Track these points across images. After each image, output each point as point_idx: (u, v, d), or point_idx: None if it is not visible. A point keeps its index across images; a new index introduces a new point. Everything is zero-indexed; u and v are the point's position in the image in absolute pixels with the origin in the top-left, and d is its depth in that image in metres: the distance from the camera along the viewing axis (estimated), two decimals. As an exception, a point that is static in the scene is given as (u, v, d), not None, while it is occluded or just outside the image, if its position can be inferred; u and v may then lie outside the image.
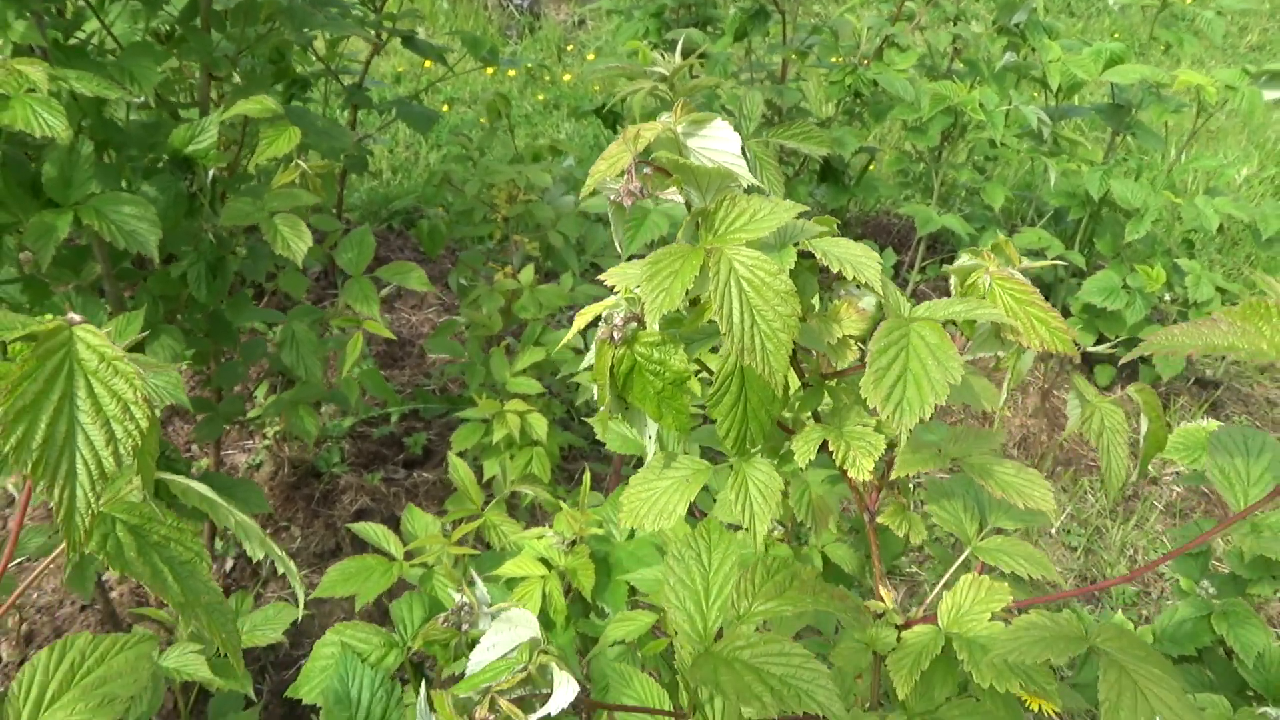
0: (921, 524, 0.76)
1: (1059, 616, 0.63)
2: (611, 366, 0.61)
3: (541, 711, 0.58)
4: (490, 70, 6.29)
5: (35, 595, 2.12)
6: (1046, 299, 2.42)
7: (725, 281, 0.54)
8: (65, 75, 1.21)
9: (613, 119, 3.25)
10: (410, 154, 4.84)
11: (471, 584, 0.89)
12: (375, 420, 2.87)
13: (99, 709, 0.58)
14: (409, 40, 2.77)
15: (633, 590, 1.28)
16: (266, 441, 2.57)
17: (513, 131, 4.63)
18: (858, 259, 0.57)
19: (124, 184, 1.49)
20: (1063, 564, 2.66)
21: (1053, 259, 3.08)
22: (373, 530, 1.46)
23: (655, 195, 0.58)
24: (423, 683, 0.63)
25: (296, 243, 1.45)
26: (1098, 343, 3.12)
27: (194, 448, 2.65)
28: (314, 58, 2.51)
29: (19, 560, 1.70)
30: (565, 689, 0.58)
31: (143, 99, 1.54)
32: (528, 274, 2.10)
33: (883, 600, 0.72)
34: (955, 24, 3.08)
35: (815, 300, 0.64)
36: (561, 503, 1.43)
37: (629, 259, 0.61)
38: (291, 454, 2.57)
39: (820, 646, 0.84)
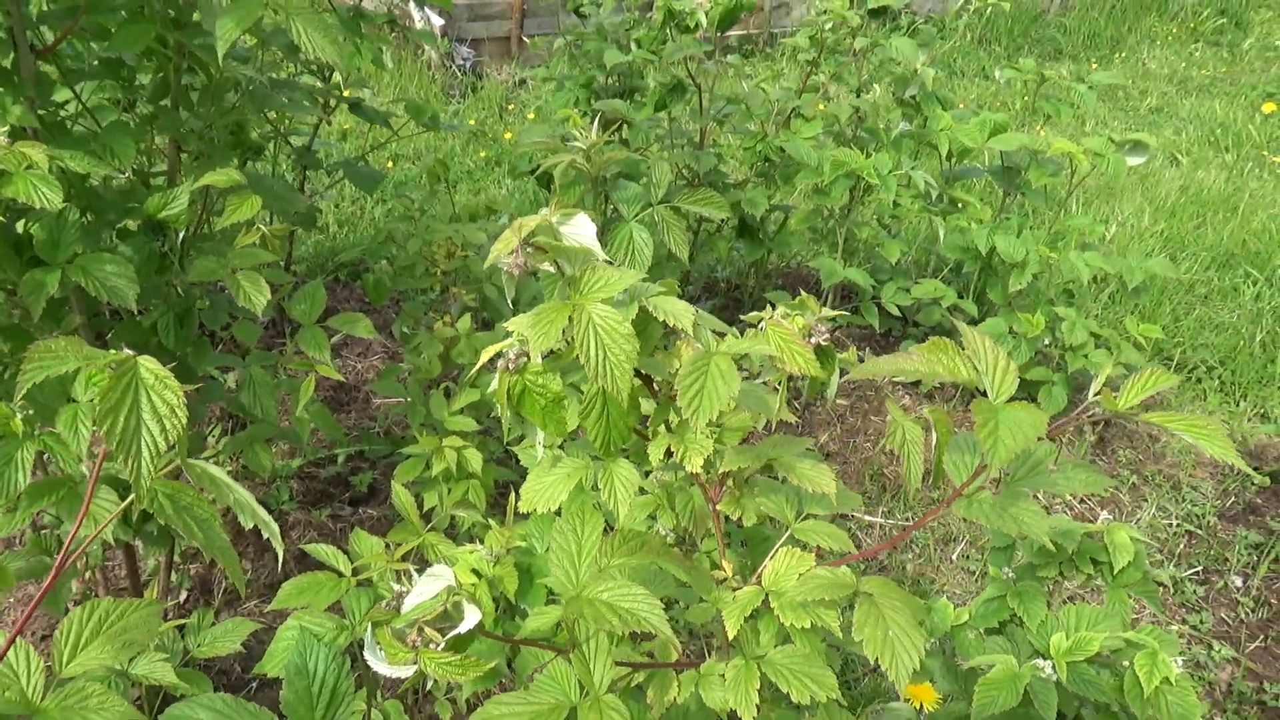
0: (753, 510, 0.99)
1: (838, 571, 0.86)
2: (508, 390, 0.84)
3: (454, 632, 0.79)
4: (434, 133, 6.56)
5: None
6: None
7: (585, 327, 0.77)
8: (61, 155, 1.41)
9: (546, 179, 3.50)
10: (355, 209, 5.04)
11: (409, 577, 1.10)
12: (323, 461, 3.05)
13: (121, 650, 0.78)
14: (355, 107, 3.01)
15: (551, 593, 1.49)
16: (218, 481, 2.73)
17: (452, 190, 4.87)
18: (677, 311, 0.80)
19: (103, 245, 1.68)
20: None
21: (946, 307, 3.38)
22: (323, 550, 1.64)
23: (538, 267, 0.80)
24: (369, 625, 0.84)
25: (257, 296, 1.66)
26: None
27: (148, 488, 2.79)
28: (267, 122, 2.73)
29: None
30: (471, 615, 0.79)
31: (123, 171, 1.74)
32: (465, 323, 2.32)
33: (724, 570, 0.95)
34: (859, 95, 3.41)
35: (663, 341, 0.87)
36: (491, 522, 1.63)
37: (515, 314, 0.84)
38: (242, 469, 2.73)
39: (680, 611, 1.05)
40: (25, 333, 1.67)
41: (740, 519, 0.97)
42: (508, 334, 0.83)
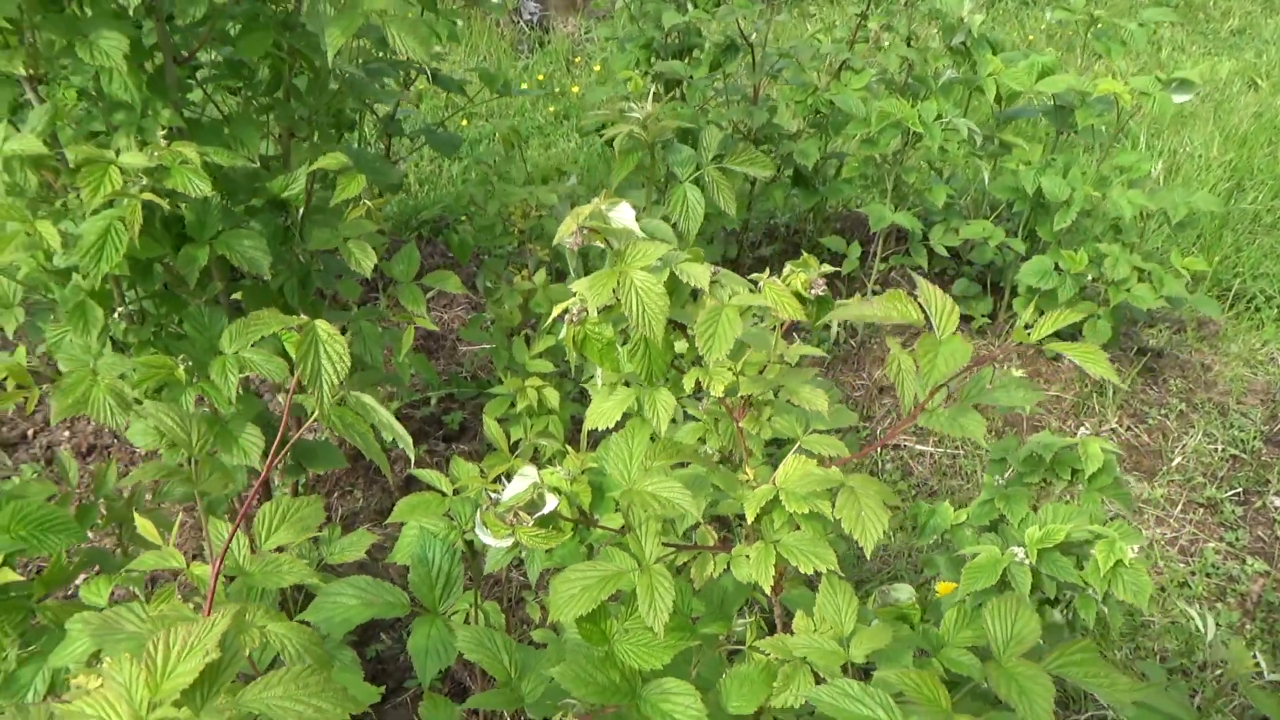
0: (768, 428, 1.24)
1: (830, 470, 1.11)
2: (574, 337, 1.11)
3: (539, 513, 1.07)
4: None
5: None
6: (998, 281, 2.93)
7: (629, 289, 1.02)
8: (207, 150, 1.72)
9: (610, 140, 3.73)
10: (434, 167, 5.35)
11: (503, 486, 1.39)
12: (418, 403, 3.39)
13: (300, 531, 1.08)
14: (434, 77, 3.27)
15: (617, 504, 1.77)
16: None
17: (524, 147, 5.12)
18: (698, 274, 1.05)
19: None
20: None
21: (995, 245, 3.53)
22: (428, 474, 1.95)
23: (591, 243, 1.06)
24: (478, 513, 1.13)
25: (365, 261, 1.96)
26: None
27: (269, 429, 3.17)
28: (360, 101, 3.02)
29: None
30: (551, 502, 1.07)
31: (251, 159, 2.04)
32: (540, 276, 2.60)
33: (747, 474, 1.21)
34: (909, 44, 3.54)
35: (692, 297, 1.12)
36: (568, 448, 1.92)
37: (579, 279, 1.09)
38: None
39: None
40: (177, 298, 2.01)
41: (759, 430, 1.23)
42: (573, 293, 1.09)
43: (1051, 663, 1.16)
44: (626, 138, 2.11)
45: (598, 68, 6.78)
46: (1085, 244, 3.39)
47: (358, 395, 1.04)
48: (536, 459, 2.40)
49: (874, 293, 3.76)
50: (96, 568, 1.69)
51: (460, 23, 6.83)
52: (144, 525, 1.16)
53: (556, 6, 7.75)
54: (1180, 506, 3.18)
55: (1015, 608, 1.19)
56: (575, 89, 6.52)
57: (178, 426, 1.04)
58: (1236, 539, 3.04)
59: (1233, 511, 3.14)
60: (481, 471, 2.02)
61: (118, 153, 1.72)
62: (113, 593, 1.39)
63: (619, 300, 1.04)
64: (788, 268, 1.18)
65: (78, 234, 1.69)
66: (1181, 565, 2.96)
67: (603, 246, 1.06)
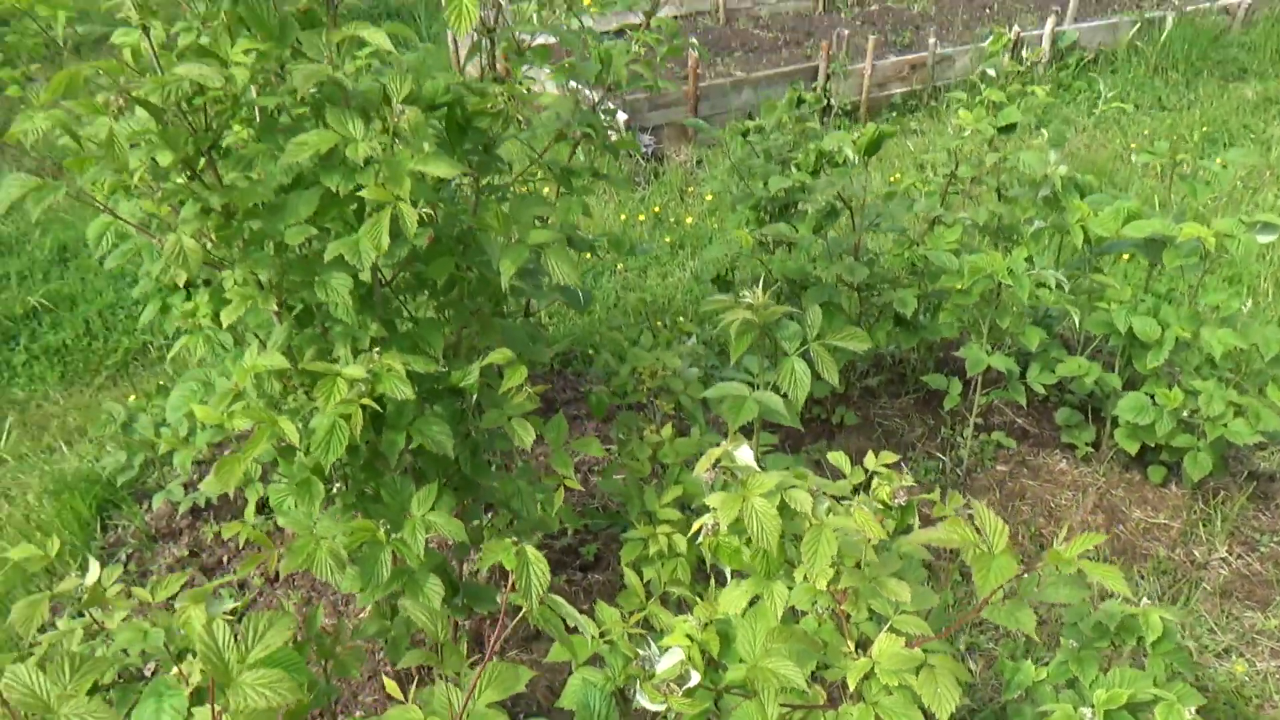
0: (865, 609, 1.54)
1: (914, 651, 1.40)
2: (710, 545, 1.45)
3: (685, 686, 1.39)
4: (624, 216, 7.35)
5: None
6: (1098, 413, 3.16)
7: (750, 511, 1.36)
8: (408, 360, 2.16)
9: (726, 286, 4.13)
10: (562, 304, 5.85)
11: (645, 641, 1.72)
12: (555, 535, 3.77)
13: (504, 690, 1.44)
14: (570, 241, 3.74)
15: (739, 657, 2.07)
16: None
17: (643, 276, 5.56)
18: (803, 500, 1.38)
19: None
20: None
21: (1091, 381, 3.72)
22: (580, 620, 2.30)
23: (721, 470, 1.40)
24: (637, 683, 1.46)
25: (526, 436, 2.36)
26: (1141, 450, 3.72)
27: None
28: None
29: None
30: (695, 677, 1.39)
31: (436, 359, 2.49)
32: (668, 430, 2.97)
33: (848, 647, 1.51)
34: (999, 196, 3.84)
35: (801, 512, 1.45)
36: (698, 598, 2.25)
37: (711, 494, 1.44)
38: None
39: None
40: (375, 469, 2.45)
41: (858, 615, 1.53)
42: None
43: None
44: (742, 322, 2.47)
45: (709, 196, 7.26)
46: (1185, 376, 3.56)
47: (554, 597, 1.40)
48: (665, 599, 2.73)
49: (975, 426, 3.98)
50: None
51: (592, 200, 7.44)
52: (390, 686, 1.53)
53: (669, 137, 8.34)
54: (1293, 637, 3.24)
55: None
56: (689, 219, 7.01)
57: (427, 619, 1.41)
58: (1348, 673, 3.08)
59: (1347, 643, 3.19)
60: (622, 615, 2.37)
61: (337, 360, 2.19)
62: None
63: (742, 518, 1.38)
64: (875, 481, 1.50)
65: (311, 429, 2.14)
66: (1295, 698, 3.02)
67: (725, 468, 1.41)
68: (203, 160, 2.04)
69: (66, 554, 3.91)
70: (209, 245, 2.06)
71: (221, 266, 2.21)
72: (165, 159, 1.87)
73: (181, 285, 2.28)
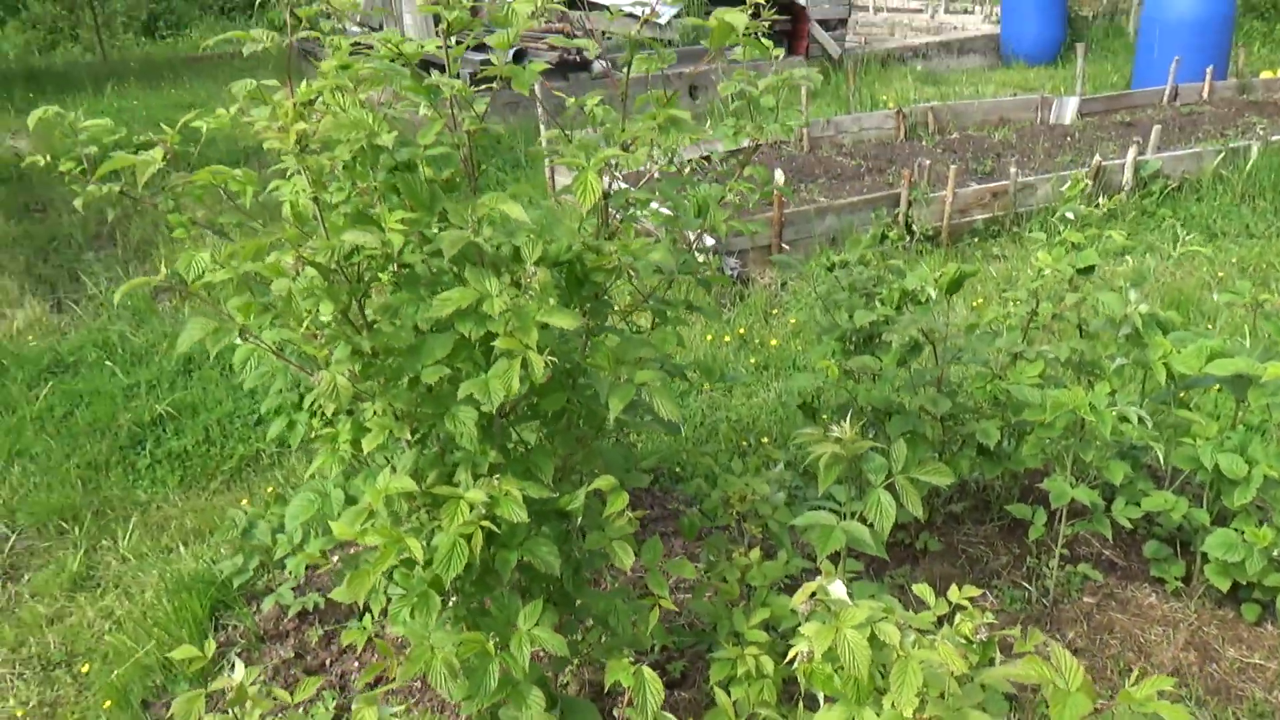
0: (949, 738, 1.65)
1: None
2: (804, 671, 1.59)
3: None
4: (710, 337, 7.62)
5: None
6: (1188, 547, 3.22)
7: (843, 641, 1.51)
8: (525, 485, 2.38)
9: (812, 412, 4.29)
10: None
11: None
12: (643, 651, 3.88)
13: None
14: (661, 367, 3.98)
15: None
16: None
17: (729, 395, 5.73)
18: (890, 632, 1.52)
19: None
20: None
21: (1179, 516, 3.74)
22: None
23: (815, 602, 1.55)
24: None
25: (625, 559, 2.54)
26: (1233, 587, 3.69)
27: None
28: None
29: None
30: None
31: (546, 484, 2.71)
32: (755, 553, 3.11)
33: None
34: (1081, 332, 3.96)
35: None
36: (782, 719, 2.35)
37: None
38: (591, 676, 3.61)
39: None
40: (486, 583, 2.65)
41: (941, 743, 1.64)
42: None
43: None
44: (830, 455, 2.64)
45: (793, 320, 7.48)
46: (1274, 512, 3.56)
47: (666, 715, 1.55)
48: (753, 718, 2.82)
49: (1061, 557, 4.00)
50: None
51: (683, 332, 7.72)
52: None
53: (754, 260, 8.64)
54: (1402, 791, 3.13)
55: None
56: (774, 341, 7.23)
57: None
58: None
59: None
60: (714, 735, 2.48)
61: (458, 484, 2.43)
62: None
63: (835, 648, 1.53)
64: (959, 616, 1.63)
65: (433, 546, 2.37)
66: None
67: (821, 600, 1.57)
68: (355, 306, 2.35)
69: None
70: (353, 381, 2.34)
71: (361, 399, 2.49)
72: (327, 310, 2.17)
73: (330, 415, 2.55)
